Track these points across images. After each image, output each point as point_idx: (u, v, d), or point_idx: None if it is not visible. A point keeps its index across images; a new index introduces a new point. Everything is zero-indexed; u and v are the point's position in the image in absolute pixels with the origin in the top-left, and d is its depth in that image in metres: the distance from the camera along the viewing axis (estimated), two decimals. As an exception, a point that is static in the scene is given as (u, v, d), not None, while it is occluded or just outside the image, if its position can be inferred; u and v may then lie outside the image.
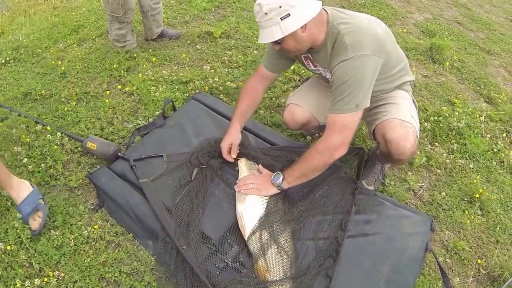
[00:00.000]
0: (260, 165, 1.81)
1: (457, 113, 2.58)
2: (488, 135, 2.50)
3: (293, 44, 1.50)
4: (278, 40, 1.46)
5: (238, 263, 1.50)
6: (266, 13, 1.42)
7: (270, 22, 1.43)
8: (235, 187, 1.71)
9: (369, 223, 1.71)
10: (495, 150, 2.40)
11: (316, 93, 1.91)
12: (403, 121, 1.67)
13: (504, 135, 2.55)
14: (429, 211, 1.97)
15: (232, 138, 1.80)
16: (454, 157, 2.29)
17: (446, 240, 1.85)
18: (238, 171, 1.80)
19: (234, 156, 1.80)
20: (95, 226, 1.67)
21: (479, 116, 2.66)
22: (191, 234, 1.53)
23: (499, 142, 2.46)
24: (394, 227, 1.71)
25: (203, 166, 1.80)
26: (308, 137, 2.21)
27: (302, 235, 1.61)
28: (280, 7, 1.39)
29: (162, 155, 1.87)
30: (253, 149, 1.88)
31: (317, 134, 2.19)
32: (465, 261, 1.77)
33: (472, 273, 1.74)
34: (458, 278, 1.70)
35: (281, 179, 1.62)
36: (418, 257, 1.63)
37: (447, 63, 3.21)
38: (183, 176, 1.77)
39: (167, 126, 2.07)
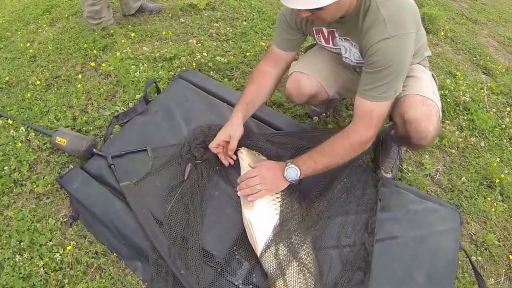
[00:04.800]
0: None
1: (462, 87, 2.17)
2: (493, 109, 2.11)
3: (333, 10, 1.04)
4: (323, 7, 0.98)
5: (251, 286, 1.07)
6: None
7: None
8: (237, 189, 1.23)
9: (397, 222, 1.30)
10: (502, 126, 2.01)
11: (325, 61, 1.41)
12: (425, 97, 1.23)
13: (508, 109, 2.16)
14: (451, 199, 1.58)
15: (231, 130, 1.26)
16: (465, 135, 1.90)
17: (474, 234, 1.48)
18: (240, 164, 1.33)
19: (231, 153, 1.30)
20: (68, 247, 1.19)
21: (481, 89, 2.28)
22: (189, 252, 1.08)
23: (506, 118, 2.08)
24: (424, 225, 1.32)
25: (198, 161, 1.32)
26: (314, 117, 1.73)
27: (324, 242, 1.19)
28: None
29: (146, 149, 1.38)
30: (255, 136, 1.39)
31: (323, 114, 1.74)
32: (495, 257, 1.41)
33: (503, 270, 1.38)
34: (492, 279, 1.34)
35: (298, 175, 1.17)
36: (453, 259, 1.25)
37: (442, 33, 2.77)
38: (173, 175, 1.29)
39: (150, 112, 1.55)
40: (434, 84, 1.35)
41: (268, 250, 1.08)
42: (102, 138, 1.54)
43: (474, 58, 2.63)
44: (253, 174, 1.21)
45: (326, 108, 1.72)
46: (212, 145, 1.29)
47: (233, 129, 1.26)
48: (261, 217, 1.14)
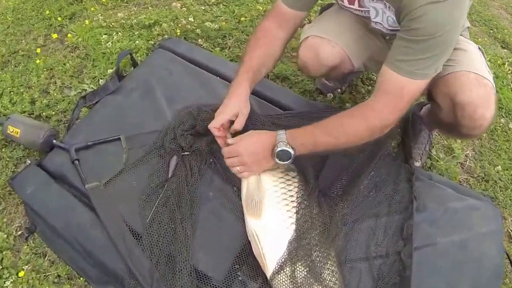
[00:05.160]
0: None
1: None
2: (518, 87, 1.87)
3: None
4: None
5: (259, 316, 0.81)
6: None
7: None
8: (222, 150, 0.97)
9: (435, 224, 1.03)
10: (530, 106, 1.78)
11: (348, 24, 1.10)
12: (480, 76, 0.94)
13: (533, 87, 1.92)
14: (485, 190, 1.34)
15: (238, 105, 0.94)
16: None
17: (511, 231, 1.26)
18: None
19: (238, 127, 0.97)
20: (21, 274, 0.89)
21: (503, 64, 2.01)
22: (178, 277, 0.80)
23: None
24: (465, 227, 1.05)
25: (185, 153, 1.02)
26: (329, 94, 1.42)
27: (350, 254, 0.92)
28: None
29: (119, 138, 1.07)
30: (258, 117, 1.07)
31: (338, 90, 1.44)
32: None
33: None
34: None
35: (291, 157, 0.88)
36: (498, 266, 1.01)
37: (455, 2, 2.47)
38: (154, 172, 0.98)
39: (124, 90, 1.21)
40: (484, 59, 1.07)
41: (282, 271, 0.80)
42: (66, 126, 1.22)
43: (491, 31, 2.34)
44: (232, 154, 0.92)
45: (341, 82, 1.42)
46: (215, 125, 0.95)
47: (240, 104, 0.95)
48: (272, 229, 0.86)
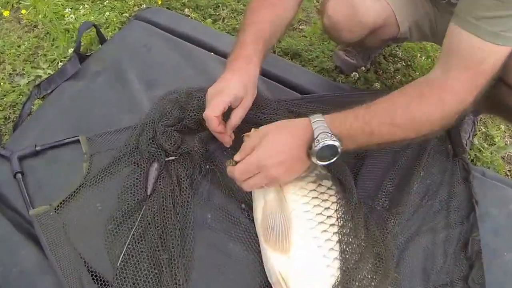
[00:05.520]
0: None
1: None
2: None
3: None
4: None
5: None
6: None
7: None
8: (228, 171, 0.62)
9: (499, 234, 0.76)
10: None
11: None
12: None
13: None
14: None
15: (244, 86, 0.64)
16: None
17: None
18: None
19: (230, 130, 0.67)
20: None
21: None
22: None
23: None
24: None
25: (170, 157, 0.72)
26: (353, 73, 1.12)
27: (405, 287, 0.66)
28: None
29: (78, 139, 0.76)
30: (269, 104, 0.76)
31: (363, 68, 1.14)
32: None
33: None
34: None
35: (338, 152, 0.57)
36: None
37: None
38: (127, 188, 0.67)
39: (87, 74, 0.88)
40: None
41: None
42: (14, 124, 0.92)
43: None
44: (252, 171, 0.58)
45: (364, 59, 1.12)
46: (215, 113, 0.62)
47: (247, 86, 0.64)
48: (307, 268, 0.56)
